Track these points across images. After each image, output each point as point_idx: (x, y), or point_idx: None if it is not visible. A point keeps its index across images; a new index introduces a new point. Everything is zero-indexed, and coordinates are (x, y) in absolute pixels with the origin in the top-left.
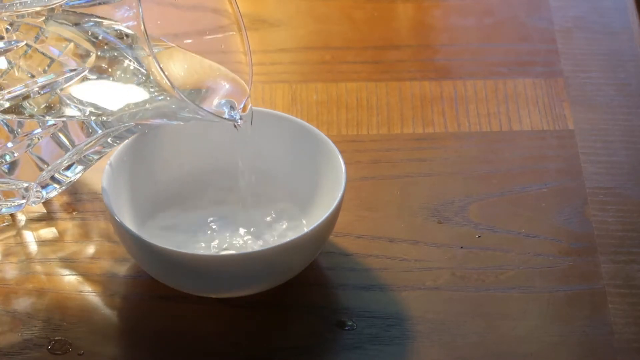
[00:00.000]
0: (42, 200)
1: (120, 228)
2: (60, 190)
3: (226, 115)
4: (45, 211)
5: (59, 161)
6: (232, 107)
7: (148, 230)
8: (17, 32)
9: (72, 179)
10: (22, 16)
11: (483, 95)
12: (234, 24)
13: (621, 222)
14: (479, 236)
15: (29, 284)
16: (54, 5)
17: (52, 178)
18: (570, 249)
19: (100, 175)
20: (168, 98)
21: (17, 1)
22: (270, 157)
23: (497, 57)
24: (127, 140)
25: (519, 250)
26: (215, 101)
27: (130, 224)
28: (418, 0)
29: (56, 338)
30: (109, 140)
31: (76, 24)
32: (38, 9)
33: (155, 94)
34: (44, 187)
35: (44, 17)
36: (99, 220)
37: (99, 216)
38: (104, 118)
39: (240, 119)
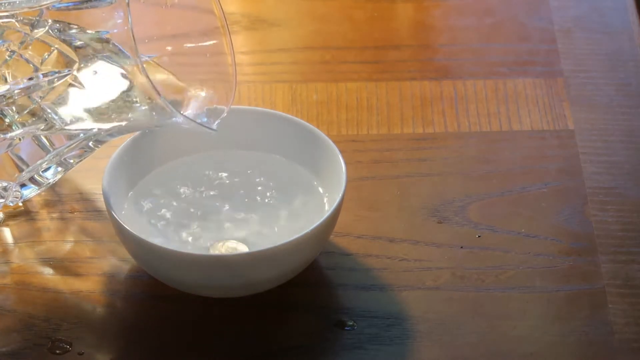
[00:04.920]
0: (21, 200)
1: (121, 228)
2: (39, 191)
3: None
4: (42, 211)
5: (38, 162)
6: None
7: (148, 230)
8: (1, 37)
9: (51, 180)
10: (9, 17)
11: (483, 95)
12: (223, 26)
13: (621, 222)
14: (479, 236)
15: (28, 284)
16: (42, 7)
17: (32, 179)
18: (570, 249)
19: (100, 175)
20: (152, 108)
21: (5, 1)
22: (270, 156)
23: (497, 57)
24: (127, 141)
25: (519, 250)
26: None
27: (130, 224)
28: (418, 0)
29: (56, 338)
30: (90, 144)
31: (61, 31)
32: (26, 9)
33: (138, 102)
34: (22, 187)
35: (29, 23)
36: (100, 219)
37: (100, 216)
38: (85, 125)
39: (215, 129)
